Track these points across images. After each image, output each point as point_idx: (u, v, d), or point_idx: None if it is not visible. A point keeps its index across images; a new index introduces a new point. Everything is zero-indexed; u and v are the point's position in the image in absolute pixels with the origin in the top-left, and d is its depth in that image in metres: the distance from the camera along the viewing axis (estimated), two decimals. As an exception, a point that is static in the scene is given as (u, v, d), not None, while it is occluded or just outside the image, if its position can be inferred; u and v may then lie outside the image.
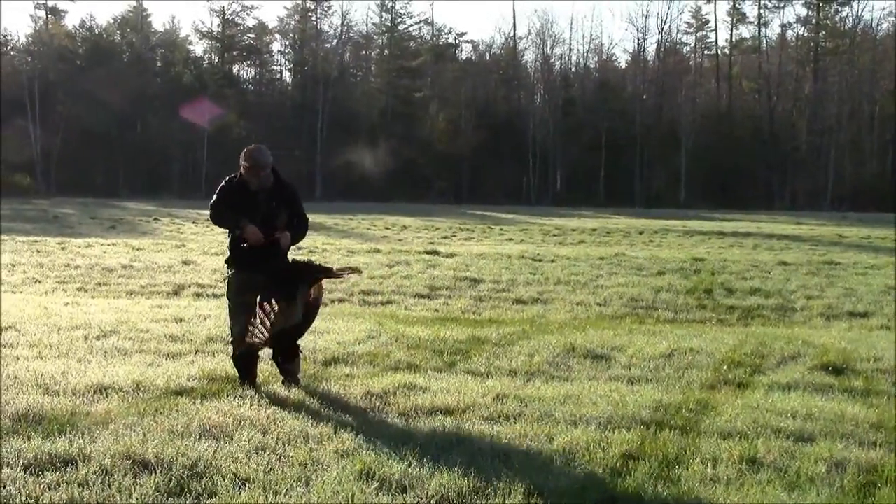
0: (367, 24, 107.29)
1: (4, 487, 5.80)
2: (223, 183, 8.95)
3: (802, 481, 6.37)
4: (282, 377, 8.98)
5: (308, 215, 9.29)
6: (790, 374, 10.12)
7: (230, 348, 9.14)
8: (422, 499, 5.83)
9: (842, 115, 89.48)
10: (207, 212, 9.15)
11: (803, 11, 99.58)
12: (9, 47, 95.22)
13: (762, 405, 8.51)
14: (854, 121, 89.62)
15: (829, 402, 8.79)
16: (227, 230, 8.98)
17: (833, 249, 32.85)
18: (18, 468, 6.15)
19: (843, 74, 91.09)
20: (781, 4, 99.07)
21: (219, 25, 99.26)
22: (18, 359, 9.91)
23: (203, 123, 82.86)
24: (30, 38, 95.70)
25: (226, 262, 9.08)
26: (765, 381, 9.76)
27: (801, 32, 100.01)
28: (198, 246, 29.02)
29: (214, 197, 8.90)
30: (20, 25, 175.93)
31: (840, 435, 7.54)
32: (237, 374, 8.91)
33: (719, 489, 6.17)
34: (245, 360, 8.86)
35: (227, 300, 9.14)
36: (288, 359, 8.99)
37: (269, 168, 8.81)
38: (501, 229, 42.41)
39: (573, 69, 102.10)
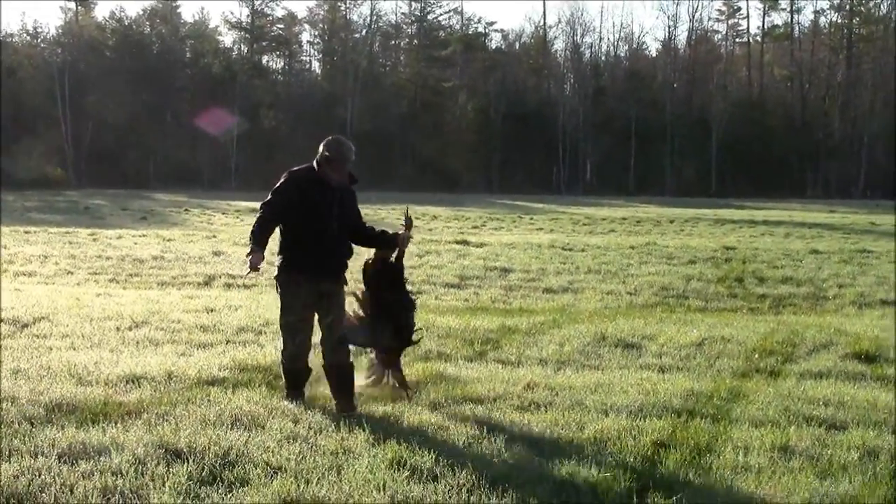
0: (396, 14, 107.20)
1: (39, 476, 5.85)
2: (289, 174, 8.04)
3: (835, 469, 6.35)
4: (335, 403, 7.94)
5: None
6: (822, 363, 10.08)
7: (280, 364, 8.25)
8: (453, 487, 5.84)
9: (875, 102, 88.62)
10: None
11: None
12: (39, 39, 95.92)
13: (794, 393, 8.48)
14: (888, 108, 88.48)
15: (862, 390, 8.76)
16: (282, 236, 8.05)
17: (865, 238, 32.61)
18: (53, 457, 6.20)
19: (876, 61, 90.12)
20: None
21: (248, 16, 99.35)
22: (51, 349, 9.99)
23: (217, 133, 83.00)
24: (60, 30, 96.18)
25: (280, 269, 8.00)
26: (796, 370, 9.73)
27: (834, 19, 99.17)
28: (228, 237, 29.12)
29: (275, 192, 7.96)
30: (50, 17, 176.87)
31: (873, 423, 7.50)
32: (285, 384, 8.16)
33: (751, 477, 6.15)
34: (296, 373, 8.13)
35: (280, 317, 8.11)
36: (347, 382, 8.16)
37: (350, 164, 7.99)
38: (531, 219, 42.33)
39: (603, 58, 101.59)
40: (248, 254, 7.88)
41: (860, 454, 6.65)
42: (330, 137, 8.04)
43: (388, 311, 8.37)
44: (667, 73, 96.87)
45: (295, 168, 8.11)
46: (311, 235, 7.87)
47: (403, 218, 8.51)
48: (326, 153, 7.89)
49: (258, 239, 7.87)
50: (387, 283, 8.44)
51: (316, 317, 8.08)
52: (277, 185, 7.96)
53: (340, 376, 7.97)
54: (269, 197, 7.98)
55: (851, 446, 6.81)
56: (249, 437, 6.77)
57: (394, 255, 8.48)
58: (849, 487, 5.97)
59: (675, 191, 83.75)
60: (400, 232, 8.45)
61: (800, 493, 5.83)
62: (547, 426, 7.25)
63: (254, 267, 7.82)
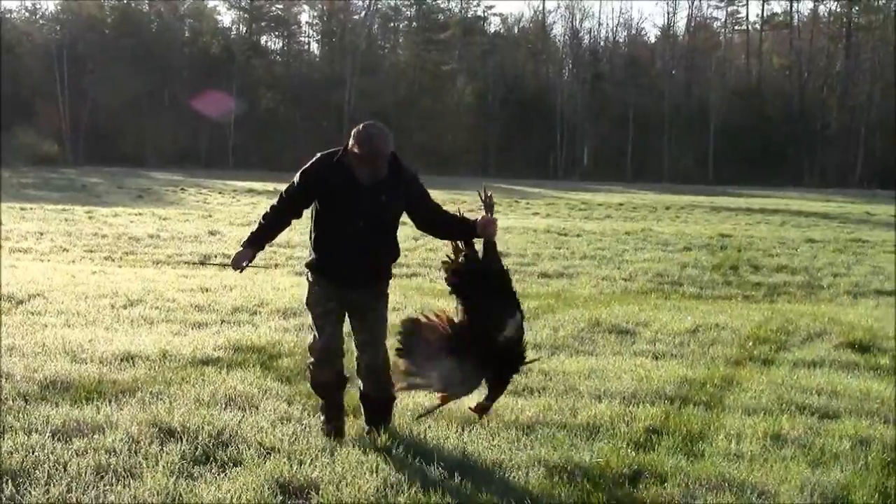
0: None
1: (33, 453, 5.85)
2: (316, 158, 6.55)
3: (827, 458, 6.36)
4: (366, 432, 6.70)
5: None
6: (816, 352, 10.09)
7: (307, 370, 6.85)
8: (445, 470, 5.85)
9: (873, 92, 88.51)
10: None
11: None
12: (37, 16, 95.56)
13: (787, 382, 8.50)
14: (886, 98, 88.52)
15: (855, 379, 8.77)
16: (311, 229, 6.62)
17: (861, 227, 32.66)
18: (47, 434, 6.21)
19: (875, 51, 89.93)
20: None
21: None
22: (46, 326, 9.99)
23: (214, 115, 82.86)
24: (58, 7, 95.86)
25: (307, 265, 6.76)
26: (790, 358, 9.74)
27: (833, 8, 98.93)
28: (224, 216, 29.13)
29: (299, 174, 6.53)
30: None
31: (865, 412, 7.53)
32: (320, 408, 6.81)
33: (743, 465, 6.16)
34: (329, 388, 6.69)
35: (306, 310, 6.82)
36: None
37: (386, 157, 6.37)
38: (527, 203, 42.36)
39: (602, 44, 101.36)
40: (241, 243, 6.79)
41: (852, 443, 6.67)
42: (361, 126, 6.43)
43: (483, 330, 6.41)
44: (665, 59, 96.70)
45: (326, 152, 6.58)
46: (337, 233, 6.50)
47: (482, 198, 6.70)
48: (355, 149, 6.30)
49: (259, 230, 6.72)
50: (478, 288, 6.50)
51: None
52: (303, 168, 6.56)
53: (377, 409, 6.72)
54: (292, 181, 6.60)
55: (844, 435, 6.83)
56: (243, 417, 6.77)
57: (479, 249, 6.68)
58: (840, 476, 5.98)
59: (672, 177, 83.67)
60: (478, 217, 6.64)
61: (792, 481, 5.85)
62: (540, 411, 7.25)
63: (236, 266, 6.73)
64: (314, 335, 6.67)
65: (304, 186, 6.51)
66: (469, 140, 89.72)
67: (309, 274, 6.70)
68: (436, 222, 6.73)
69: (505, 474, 5.89)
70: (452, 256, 6.72)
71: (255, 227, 6.77)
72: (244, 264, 6.70)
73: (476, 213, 6.60)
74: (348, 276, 6.49)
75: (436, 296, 13.37)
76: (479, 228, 6.55)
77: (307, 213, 6.70)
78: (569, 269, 18.17)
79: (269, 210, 6.73)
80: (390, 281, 6.79)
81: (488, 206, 6.63)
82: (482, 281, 6.49)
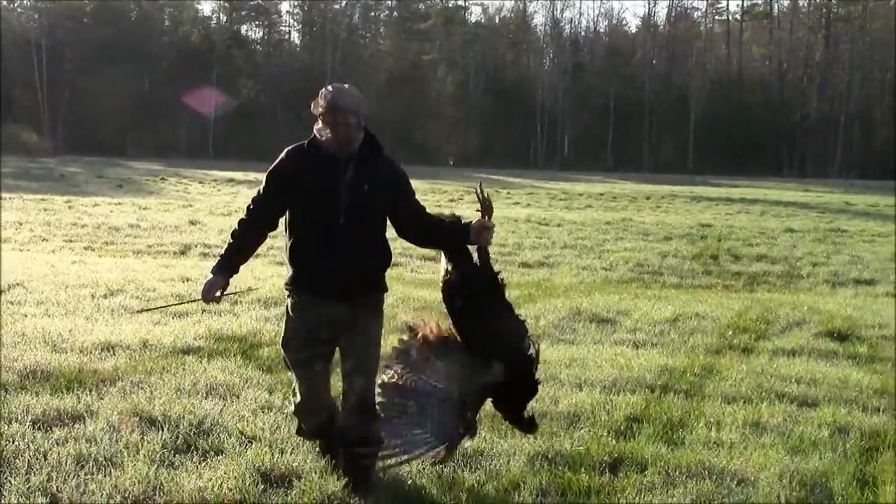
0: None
1: (13, 442, 5.83)
2: (282, 156, 5.51)
3: (805, 445, 6.41)
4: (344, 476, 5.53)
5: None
6: (795, 340, 10.15)
7: (293, 414, 5.91)
8: (427, 460, 5.85)
9: (852, 82, 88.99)
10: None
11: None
12: (16, 4, 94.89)
13: (766, 370, 8.55)
14: (864, 89, 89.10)
15: (834, 367, 8.83)
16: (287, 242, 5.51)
17: (840, 217, 32.80)
18: (27, 424, 6.19)
19: (854, 41, 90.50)
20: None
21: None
22: (26, 316, 9.96)
23: (206, 111, 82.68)
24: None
25: (285, 285, 5.57)
26: (769, 347, 9.80)
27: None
28: (205, 206, 29.02)
29: (263, 182, 5.51)
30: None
31: (843, 400, 7.58)
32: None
33: (722, 452, 6.20)
34: (319, 435, 5.81)
35: (282, 350, 5.70)
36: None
37: (353, 117, 5.38)
38: (508, 193, 42.35)
39: (583, 33, 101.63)
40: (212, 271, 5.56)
41: (830, 431, 6.72)
42: (325, 87, 5.58)
43: (484, 348, 5.67)
44: (646, 49, 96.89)
45: (293, 145, 5.57)
46: (316, 237, 5.40)
47: (477, 198, 5.84)
48: (319, 108, 5.41)
49: (229, 252, 5.54)
50: (476, 303, 5.75)
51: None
52: (269, 168, 5.53)
53: (355, 452, 5.45)
54: (258, 188, 5.56)
55: (822, 423, 6.88)
56: (224, 406, 6.77)
57: (475, 256, 5.87)
58: (819, 463, 6.02)
59: (653, 167, 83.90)
60: (473, 220, 5.73)
61: (771, 468, 5.88)
62: (521, 399, 7.26)
63: (208, 298, 5.51)
64: (297, 387, 5.64)
65: (275, 187, 5.45)
66: (450, 130, 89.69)
67: (289, 304, 5.55)
68: (422, 226, 5.67)
69: (486, 462, 5.91)
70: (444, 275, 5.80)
71: (225, 251, 5.58)
72: (217, 295, 5.50)
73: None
74: (333, 286, 5.39)
75: (417, 285, 13.40)
76: (472, 234, 5.66)
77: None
78: (549, 259, 18.20)
79: (237, 227, 5.57)
80: (384, 295, 5.79)
81: (486, 207, 5.71)
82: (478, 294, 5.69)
